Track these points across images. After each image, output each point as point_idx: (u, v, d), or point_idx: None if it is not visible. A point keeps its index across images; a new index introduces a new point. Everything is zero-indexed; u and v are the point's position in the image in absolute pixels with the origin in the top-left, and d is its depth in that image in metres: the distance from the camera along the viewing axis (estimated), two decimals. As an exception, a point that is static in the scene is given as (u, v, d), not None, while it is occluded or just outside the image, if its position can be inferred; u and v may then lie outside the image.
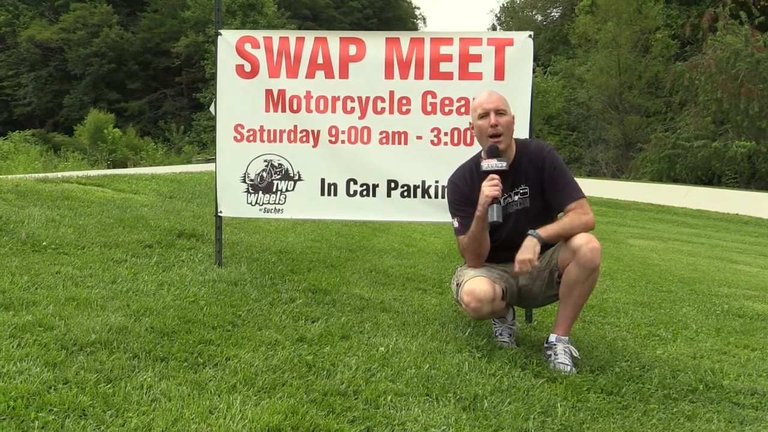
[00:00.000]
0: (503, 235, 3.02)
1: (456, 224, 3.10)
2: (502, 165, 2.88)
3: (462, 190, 3.10)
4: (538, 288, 3.03)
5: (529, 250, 2.78)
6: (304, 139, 4.14)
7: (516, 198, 3.02)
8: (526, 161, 3.02)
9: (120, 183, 8.35)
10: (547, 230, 2.85)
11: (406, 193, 4.08)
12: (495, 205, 2.83)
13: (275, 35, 4.16)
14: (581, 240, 2.82)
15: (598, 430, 2.23)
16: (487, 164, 2.91)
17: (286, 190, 4.18)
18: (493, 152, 2.93)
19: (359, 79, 4.06)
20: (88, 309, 2.93)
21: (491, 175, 2.87)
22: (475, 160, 3.11)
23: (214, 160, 4.33)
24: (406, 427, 2.09)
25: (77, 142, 32.01)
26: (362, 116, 4.07)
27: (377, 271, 4.82)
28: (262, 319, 3.12)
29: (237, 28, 26.55)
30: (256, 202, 4.21)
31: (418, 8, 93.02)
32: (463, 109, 3.96)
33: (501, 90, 3.44)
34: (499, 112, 2.95)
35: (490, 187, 2.84)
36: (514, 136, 3.11)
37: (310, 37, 4.14)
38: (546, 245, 2.89)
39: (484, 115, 2.98)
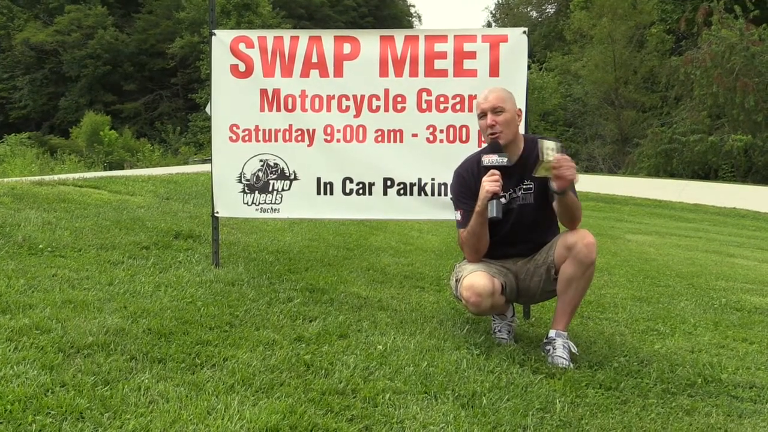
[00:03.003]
0: (504, 230, 3.02)
1: (458, 216, 3.09)
2: (503, 161, 2.87)
3: (468, 182, 3.08)
4: (536, 284, 3.03)
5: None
6: (300, 138, 4.13)
7: (519, 194, 3.01)
8: (534, 157, 3.01)
9: (116, 185, 8.33)
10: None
11: (402, 191, 4.07)
12: (494, 201, 2.82)
13: (269, 35, 4.15)
14: (576, 236, 2.85)
15: (597, 426, 2.23)
16: (488, 159, 2.90)
17: (282, 190, 4.17)
18: (495, 147, 2.93)
19: (354, 77, 4.05)
20: (85, 311, 2.92)
21: (491, 171, 2.86)
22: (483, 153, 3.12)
23: (210, 161, 4.32)
24: (404, 425, 2.09)
25: (73, 145, 31.93)
26: (357, 115, 4.07)
27: (375, 269, 4.82)
28: (259, 319, 3.12)
29: (232, 28, 26.55)
30: (252, 202, 4.20)
31: (413, 6, 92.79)
32: (458, 107, 3.95)
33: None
34: (496, 111, 2.96)
35: (490, 183, 2.83)
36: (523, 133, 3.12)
37: (304, 36, 4.13)
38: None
39: (482, 115, 3.01)
